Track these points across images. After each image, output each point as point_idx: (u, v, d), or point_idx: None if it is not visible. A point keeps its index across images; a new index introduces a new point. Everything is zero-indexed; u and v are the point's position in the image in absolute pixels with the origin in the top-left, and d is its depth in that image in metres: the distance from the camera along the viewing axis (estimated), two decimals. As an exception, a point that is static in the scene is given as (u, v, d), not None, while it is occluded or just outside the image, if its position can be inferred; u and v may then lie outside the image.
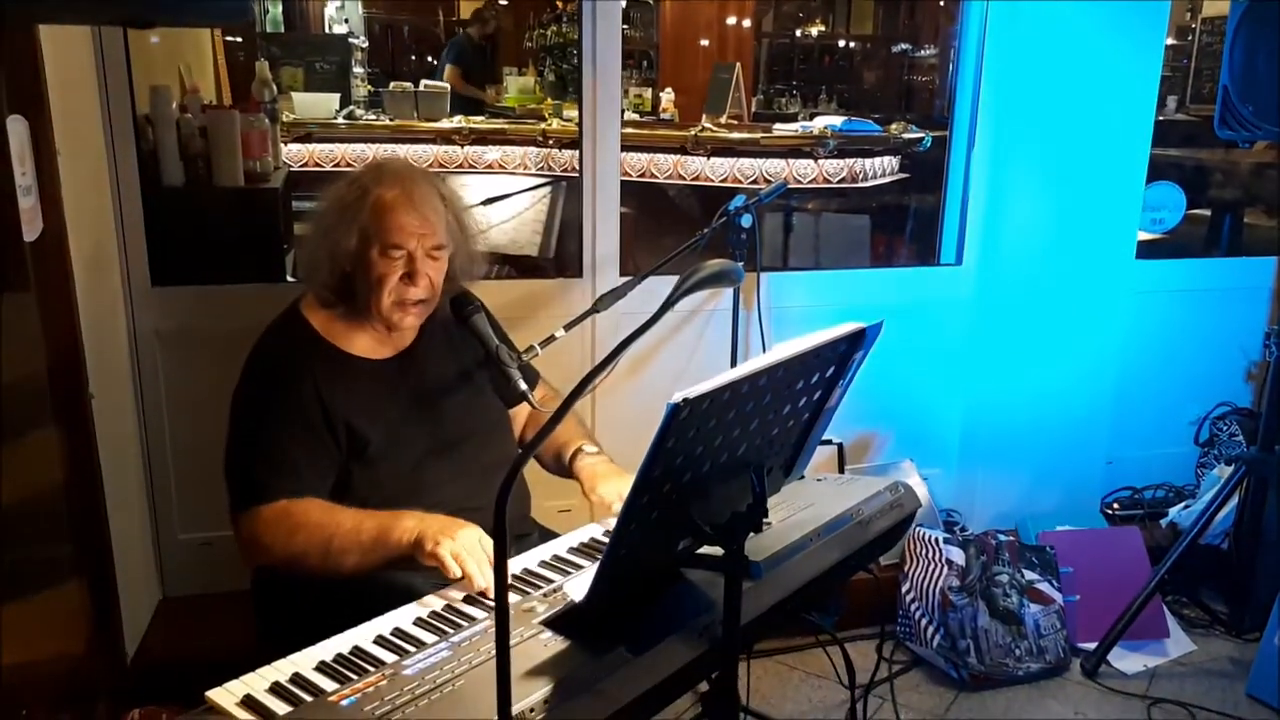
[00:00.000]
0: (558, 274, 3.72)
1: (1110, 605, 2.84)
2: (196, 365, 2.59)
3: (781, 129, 4.70)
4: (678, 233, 4.20)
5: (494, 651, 1.35)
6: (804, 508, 1.79)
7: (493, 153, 4.93)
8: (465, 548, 1.61)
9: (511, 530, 1.98)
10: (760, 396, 1.34)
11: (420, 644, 1.44)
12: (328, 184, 1.86)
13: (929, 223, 4.80)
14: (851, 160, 4.40)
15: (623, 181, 2.88)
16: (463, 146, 5.07)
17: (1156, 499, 3.40)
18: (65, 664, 2.29)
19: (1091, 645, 2.81)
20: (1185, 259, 3.50)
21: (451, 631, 1.46)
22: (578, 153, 4.67)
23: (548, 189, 4.28)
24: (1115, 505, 3.40)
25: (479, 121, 5.23)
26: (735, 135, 4.47)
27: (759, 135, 4.45)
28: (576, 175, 4.78)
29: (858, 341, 1.50)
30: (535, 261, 4.30)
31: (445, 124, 5.11)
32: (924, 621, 2.78)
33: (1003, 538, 2.90)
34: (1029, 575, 2.83)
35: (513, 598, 1.58)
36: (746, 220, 2.29)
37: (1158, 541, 3.16)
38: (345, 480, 1.80)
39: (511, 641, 1.37)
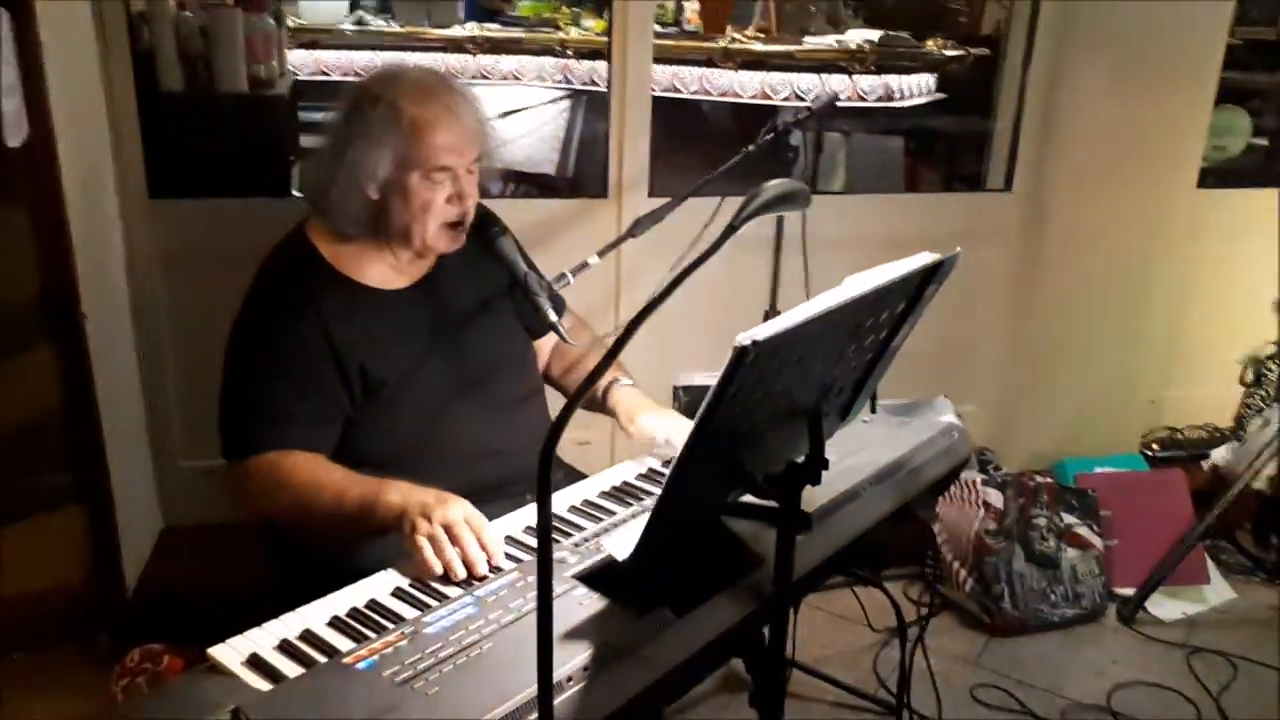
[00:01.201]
0: (576, 194, 3.55)
1: (1149, 550, 2.74)
2: (198, 284, 2.44)
3: (813, 42, 4.45)
4: (700, 152, 4.00)
5: (524, 610, 1.25)
6: (854, 452, 1.67)
7: (507, 62, 4.68)
8: (446, 527, 1.39)
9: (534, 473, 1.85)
10: (829, 337, 1.20)
11: (443, 597, 1.33)
12: (338, 99, 1.67)
13: (964, 146, 4.59)
14: (888, 77, 4.16)
15: (648, 96, 2.68)
16: (475, 56, 4.82)
17: (1199, 439, 3.27)
18: (64, 595, 2.21)
19: (1128, 590, 2.71)
20: (1248, 187, 3.30)
21: (476, 584, 1.34)
22: (605, 65, 4.45)
23: (566, 103, 4.07)
24: (1155, 446, 3.27)
25: (494, 30, 4.97)
26: (767, 48, 4.23)
27: (793, 48, 4.20)
28: (596, 88, 4.58)
29: (932, 275, 1.35)
30: (551, 180, 4.12)
31: (458, 31, 4.85)
32: (956, 565, 2.67)
33: (1040, 479, 2.78)
34: (1068, 519, 2.71)
35: (540, 546, 1.46)
36: (796, 137, 2.12)
37: (1197, 484, 3.03)
38: (358, 425, 1.66)
39: (543, 599, 1.27)
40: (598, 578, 1.29)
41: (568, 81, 4.74)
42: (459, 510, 1.43)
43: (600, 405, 1.87)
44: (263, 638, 1.24)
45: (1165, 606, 2.69)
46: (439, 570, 1.38)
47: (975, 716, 2.30)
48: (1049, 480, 2.79)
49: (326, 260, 1.67)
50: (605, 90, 4.40)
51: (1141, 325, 3.14)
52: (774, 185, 1.21)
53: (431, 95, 1.61)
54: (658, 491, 1.59)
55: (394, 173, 1.59)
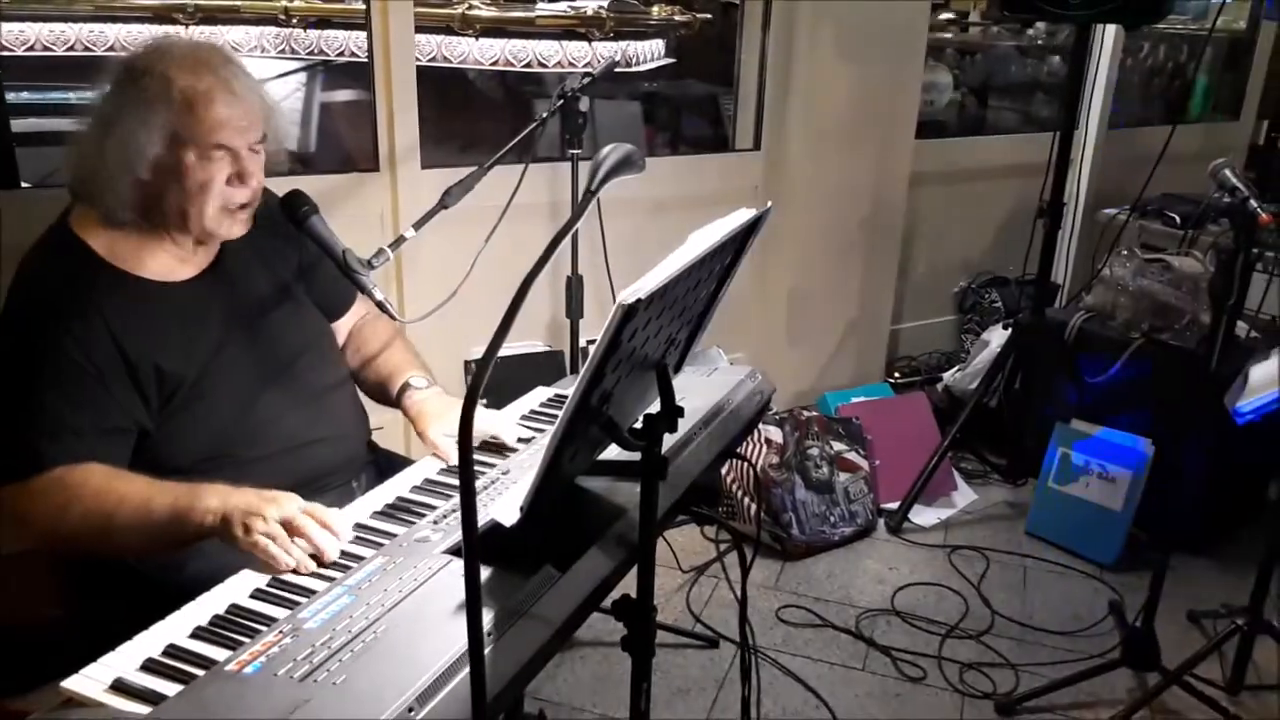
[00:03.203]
0: (312, 168, 3.43)
1: (905, 465, 3.06)
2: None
3: (547, 8, 4.48)
4: (446, 122, 3.94)
5: (404, 590, 1.24)
6: (680, 401, 1.75)
7: (227, 33, 4.36)
8: (284, 522, 1.35)
9: (357, 459, 1.81)
10: (683, 291, 1.26)
11: (308, 592, 1.28)
12: (101, 74, 1.51)
13: (698, 109, 4.81)
14: (625, 43, 4.27)
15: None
16: (187, 27, 4.44)
17: (931, 364, 3.67)
18: None
19: (893, 505, 3.02)
20: (956, 137, 3.72)
21: (340, 574, 1.31)
22: (334, 34, 4.26)
23: (302, 75, 3.87)
24: (897, 374, 3.64)
25: (205, -3, 4.61)
26: (508, 14, 4.21)
27: (533, 15, 4.21)
28: (326, 58, 4.38)
29: (753, 228, 1.45)
30: (295, 156, 3.90)
31: (164, -1, 4.45)
32: (746, 500, 2.87)
33: (809, 413, 3.03)
34: (837, 446, 2.98)
35: (398, 528, 1.44)
36: (584, 103, 2.16)
37: (935, 403, 3.41)
38: (160, 432, 1.53)
39: (423, 576, 1.27)
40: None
41: (292, 52, 4.48)
42: (293, 504, 1.39)
43: (394, 403, 1.83)
44: (121, 661, 1.15)
45: (924, 514, 3.03)
46: (289, 564, 1.33)
47: (785, 635, 2.49)
48: (816, 413, 3.05)
49: (99, 254, 1.52)
50: (338, 60, 4.21)
51: (876, 266, 3.47)
52: (615, 149, 1.25)
53: (205, 66, 1.49)
54: (495, 465, 1.62)
55: (166, 151, 1.47)
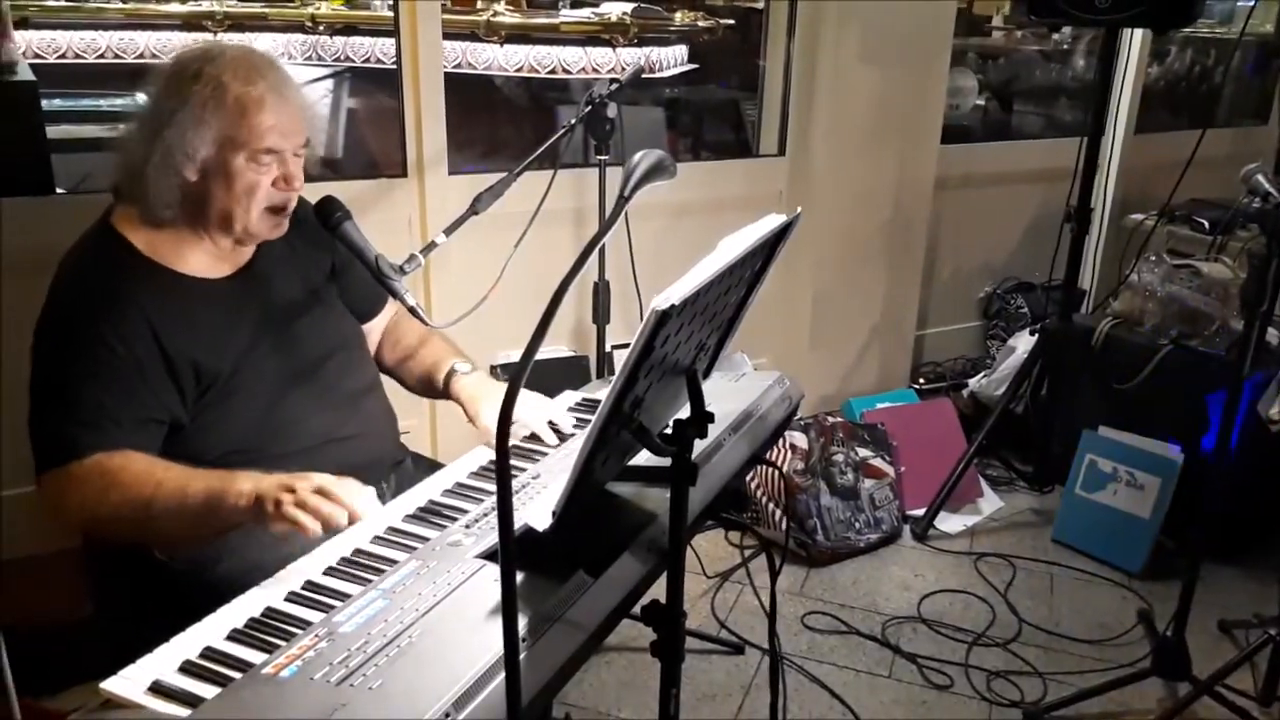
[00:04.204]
0: (341, 174, 3.45)
1: (931, 472, 3.05)
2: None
3: (570, 15, 4.50)
4: (471, 129, 3.96)
5: (438, 595, 1.24)
6: (709, 406, 1.76)
7: (254, 40, 4.41)
8: (316, 488, 1.36)
9: (386, 460, 1.82)
10: (714, 296, 1.27)
11: (343, 596, 1.29)
12: (149, 78, 1.55)
13: (720, 114, 4.82)
14: (648, 49, 4.29)
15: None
16: (215, 34, 4.50)
17: (956, 370, 3.66)
18: None
19: (918, 511, 3.01)
20: (978, 141, 3.71)
21: (374, 578, 1.32)
22: (359, 40, 4.30)
23: (330, 82, 3.90)
24: (922, 380, 3.62)
25: (233, 5, 4.66)
26: (532, 21, 4.24)
27: (558, 21, 4.24)
28: (352, 64, 4.42)
29: (783, 234, 1.45)
30: (325, 161, 3.94)
31: (192, 7, 4.51)
32: (770, 506, 2.86)
33: (834, 419, 3.02)
34: (863, 452, 2.97)
35: (430, 532, 1.45)
36: (612, 109, 2.17)
37: (960, 410, 3.40)
38: (190, 425, 1.55)
39: (456, 580, 1.28)
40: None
41: (318, 58, 4.52)
42: (322, 475, 1.40)
43: (441, 393, 1.85)
44: (158, 664, 1.16)
45: (950, 521, 3.01)
46: (316, 531, 1.34)
47: (810, 641, 2.49)
48: (841, 419, 3.04)
49: (139, 250, 1.56)
50: (363, 67, 4.24)
51: (901, 271, 3.46)
52: (647, 155, 1.26)
53: (257, 73, 1.54)
54: (527, 467, 1.63)
55: (216, 154, 1.51)
